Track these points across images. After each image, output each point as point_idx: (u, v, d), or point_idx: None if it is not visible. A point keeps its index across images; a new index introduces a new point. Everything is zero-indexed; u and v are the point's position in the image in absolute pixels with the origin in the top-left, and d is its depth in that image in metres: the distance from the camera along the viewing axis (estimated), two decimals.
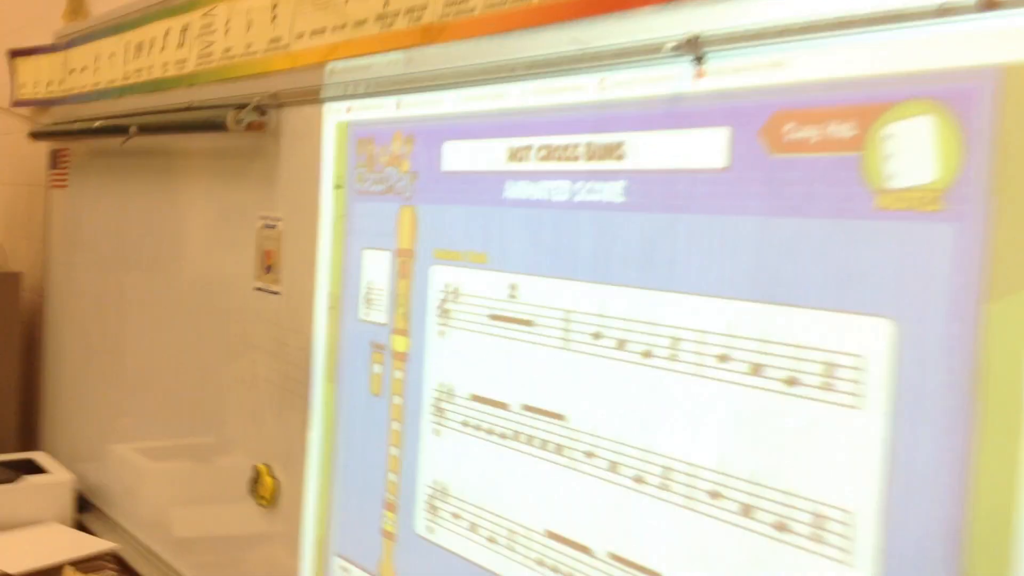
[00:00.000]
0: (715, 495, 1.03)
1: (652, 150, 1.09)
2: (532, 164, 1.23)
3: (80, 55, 2.57)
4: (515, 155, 1.26)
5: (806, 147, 0.94)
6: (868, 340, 0.89)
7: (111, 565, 2.25)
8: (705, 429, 1.04)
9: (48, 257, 2.86)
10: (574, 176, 1.18)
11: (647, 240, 1.10)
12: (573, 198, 1.18)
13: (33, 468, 2.52)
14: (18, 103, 2.96)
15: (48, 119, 2.74)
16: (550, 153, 1.21)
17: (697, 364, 1.04)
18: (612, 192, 1.13)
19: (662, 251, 1.08)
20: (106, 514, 2.50)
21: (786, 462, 0.96)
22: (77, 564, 2.18)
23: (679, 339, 1.06)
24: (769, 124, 0.97)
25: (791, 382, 0.96)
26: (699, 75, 1.03)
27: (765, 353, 0.98)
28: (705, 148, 1.03)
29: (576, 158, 1.17)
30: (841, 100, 0.91)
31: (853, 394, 0.90)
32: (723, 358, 1.02)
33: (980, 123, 0.81)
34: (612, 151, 1.13)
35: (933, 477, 0.85)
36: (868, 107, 0.89)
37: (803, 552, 0.94)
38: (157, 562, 2.22)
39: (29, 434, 3.04)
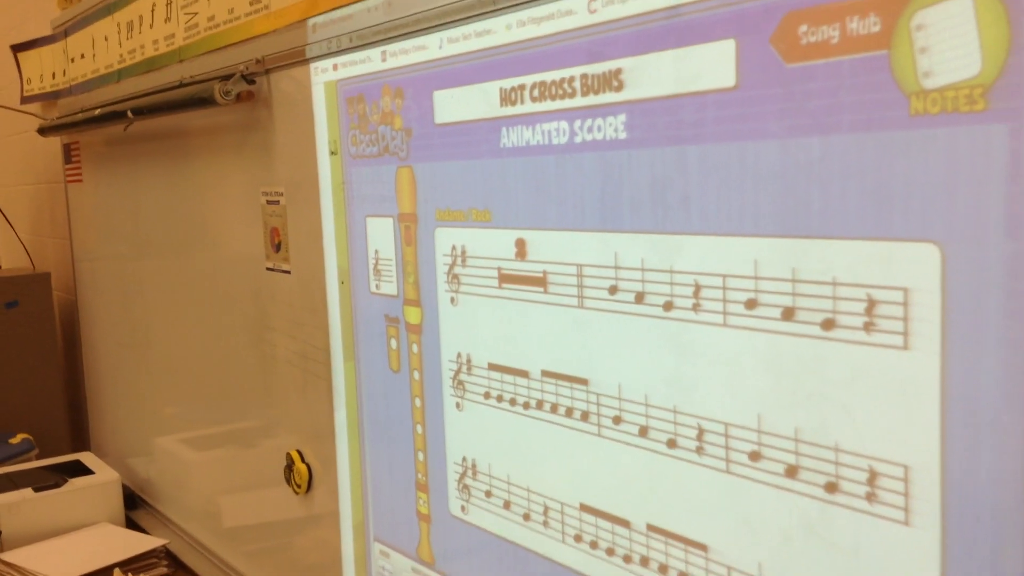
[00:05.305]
0: (756, 456, 0.91)
1: (652, 75, 0.96)
2: (527, 106, 1.11)
3: (78, 42, 2.48)
4: (508, 98, 1.14)
5: (826, 50, 0.81)
6: (913, 270, 0.77)
7: (163, 561, 2.22)
8: (739, 384, 0.92)
9: (74, 254, 2.81)
10: (571, 114, 1.05)
11: (656, 179, 0.97)
12: (573, 139, 1.06)
13: (80, 469, 2.50)
14: (25, 99, 2.89)
15: (56, 113, 2.67)
16: (544, 91, 1.08)
17: (723, 313, 0.93)
18: (614, 128, 1.01)
19: (674, 190, 0.96)
20: (156, 509, 2.47)
21: (831, 415, 0.85)
22: (127, 564, 2.15)
23: (701, 286, 0.94)
24: (781, 28, 0.84)
25: (829, 325, 0.83)
26: None
27: (798, 295, 0.86)
28: (710, 66, 0.90)
29: (572, 93, 1.05)
30: None
31: (900, 333, 0.78)
32: (752, 304, 0.90)
33: None
34: (609, 81, 1.00)
35: (995, 421, 0.73)
36: None
37: (857, 513, 0.84)
38: (206, 552, 2.18)
39: (79, 434, 3.03)
